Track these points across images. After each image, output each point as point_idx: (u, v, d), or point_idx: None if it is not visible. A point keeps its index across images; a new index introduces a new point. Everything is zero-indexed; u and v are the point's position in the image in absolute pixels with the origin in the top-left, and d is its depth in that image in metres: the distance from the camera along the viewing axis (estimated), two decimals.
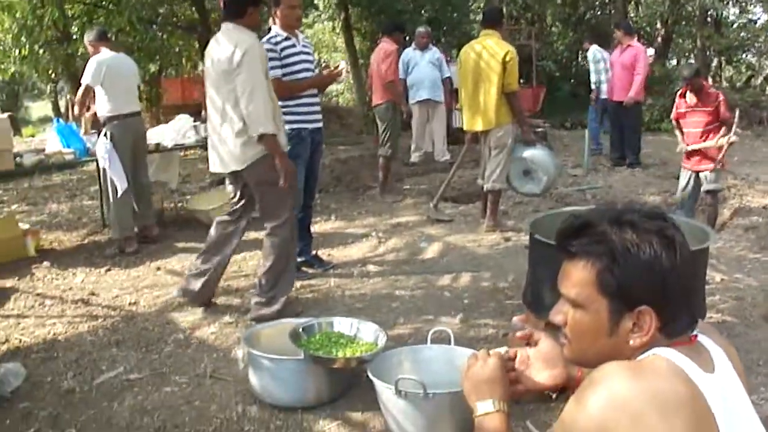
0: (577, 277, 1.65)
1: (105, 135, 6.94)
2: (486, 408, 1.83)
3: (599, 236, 1.62)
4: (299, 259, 5.97)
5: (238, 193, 5.23)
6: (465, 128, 7.51)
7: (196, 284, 5.29)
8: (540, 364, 1.99)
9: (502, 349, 2.05)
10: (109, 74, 6.98)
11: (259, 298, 5.09)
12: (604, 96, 11.99)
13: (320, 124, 5.98)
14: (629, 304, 1.59)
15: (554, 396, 3.71)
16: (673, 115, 7.54)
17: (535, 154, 7.20)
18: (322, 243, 7.16)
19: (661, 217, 1.65)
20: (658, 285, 1.57)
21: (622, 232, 1.60)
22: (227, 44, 4.81)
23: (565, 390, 2.08)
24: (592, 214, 1.70)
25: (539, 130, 8.42)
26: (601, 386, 1.49)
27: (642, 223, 1.60)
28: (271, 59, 5.52)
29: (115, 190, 6.97)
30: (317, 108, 5.93)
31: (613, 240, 1.60)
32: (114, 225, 7.27)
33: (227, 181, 5.22)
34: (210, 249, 5.29)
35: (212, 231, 5.32)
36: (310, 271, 6.12)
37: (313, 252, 6.34)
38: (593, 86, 12.36)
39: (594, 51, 12.47)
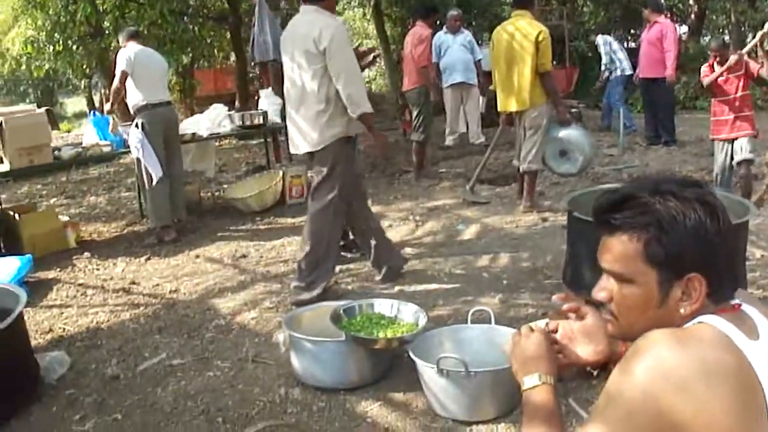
0: (622, 250, 1.62)
1: (137, 125, 7.01)
2: (532, 382, 1.82)
3: (643, 207, 1.59)
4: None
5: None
6: (499, 109, 7.47)
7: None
8: (584, 339, 1.97)
9: (542, 322, 2.04)
10: (137, 64, 7.05)
11: (298, 283, 5.11)
12: (620, 74, 12.44)
13: None
14: (678, 272, 1.57)
15: (596, 373, 3.69)
16: (702, 77, 7.39)
17: (570, 134, 7.17)
18: None
19: (697, 185, 1.62)
20: (705, 251, 1.55)
21: (665, 201, 1.58)
22: (311, 27, 4.82)
23: (607, 366, 2.08)
24: (630, 187, 1.67)
25: (573, 110, 8.38)
26: (648, 354, 1.47)
27: (681, 192, 1.58)
28: None
29: (150, 179, 7.03)
30: None
31: (658, 209, 1.57)
32: (151, 214, 7.36)
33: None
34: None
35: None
36: (349, 255, 6.11)
37: (350, 236, 6.35)
38: (603, 67, 12.86)
39: (599, 40, 13.06)
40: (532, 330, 1.94)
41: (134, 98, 7.10)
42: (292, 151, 5.27)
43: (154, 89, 7.13)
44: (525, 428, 1.74)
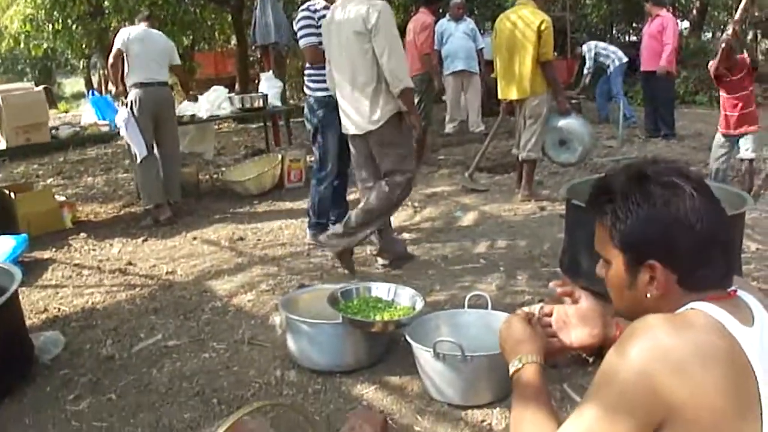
0: (599, 234, 1.71)
1: (126, 103, 7.02)
2: (514, 365, 1.83)
3: (608, 195, 1.65)
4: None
5: (360, 159, 5.35)
6: (500, 97, 7.46)
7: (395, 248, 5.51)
8: (579, 323, 1.97)
9: (537, 306, 2.04)
10: (131, 42, 7.02)
11: (338, 229, 5.19)
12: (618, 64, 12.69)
13: None
14: (639, 258, 1.61)
15: (591, 360, 3.70)
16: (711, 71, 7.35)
17: (570, 123, 7.17)
18: None
19: (676, 171, 1.63)
20: (660, 239, 1.58)
21: (628, 189, 1.62)
22: (357, 7, 4.90)
23: (602, 352, 2.07)
24: (607, 176, 1.73)
25: (573, 102, 8.36)
26: (643, 336, 1.49)
27: (654, 177, 1.61)
28: (308, 26, 5.60)
29: (136, 158, 7.03)
30: None
31: (618, 199, 1.62)
32: (142, 194, 7.36)
33: (352, 146, 5.22)
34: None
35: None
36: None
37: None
38: (585, 71, 13.41)
39: (584, 48, 13.46)
40: (518, 314, 1.95)
41: (128, 77, 7.09)
42: (350, 132, 5.25)
43: (146, 68, 7.05)
44: (514, 407, 1.76)
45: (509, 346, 1.88)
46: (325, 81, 5.60)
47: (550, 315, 2.00)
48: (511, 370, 1.83)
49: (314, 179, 6.09)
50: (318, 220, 6.13)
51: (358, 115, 5.08)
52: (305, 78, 6.02)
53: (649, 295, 1.62)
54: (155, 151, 7.19)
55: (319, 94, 5.76)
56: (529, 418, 1.69)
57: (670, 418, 1.44)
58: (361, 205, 5.23)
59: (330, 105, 5.63)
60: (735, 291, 1.63)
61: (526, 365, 1.80)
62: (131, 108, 6.98)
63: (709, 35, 23.19)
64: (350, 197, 6.58)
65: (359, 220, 5.13)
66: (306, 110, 6.02)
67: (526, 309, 2.01)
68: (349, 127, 5.21)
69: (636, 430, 1.46)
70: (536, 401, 1.72)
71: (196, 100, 8.33)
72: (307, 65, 5.98)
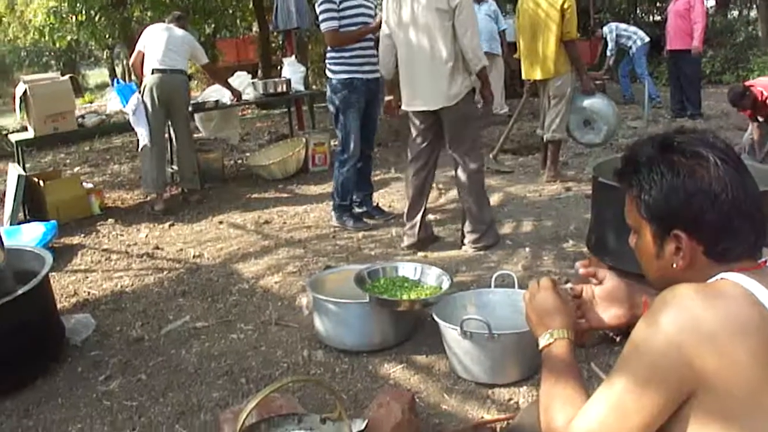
0: (627, 205, 1.71)
1: (140, 90, 7.08)
2: (545, 340, 1.81)
3: (634, 165, 1.65)
4: (359, 210, 6.07)
5: (428, 135, 5.36)
6: (523, 77, 7.43)
7: (417, 232, 5.48)
8: (605, 303, 1.96)
9: (567, 286, 2.03)
10: (147, 38, 7.13)
11: (477, 226, 5.32)
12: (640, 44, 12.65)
13: (377, 75, 5.90)
14: (664, 228, 1.61)
15: (618, 339, 3.69)
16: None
17: (594, 103, 7.12)
18: (383, 194, 7.21)
19: (702, 141, 1.62)
20: (684, 209, 1.56)
21: (653, 160, 1.61)
22: None
23: (629, 331, 2.05)
24: (634, 147, 1.72)
25: (597, 83, 8.31)
26: (674, 306, 1.47)
27: (678, 147, 1.60)
28: (328, 10, 5.62)
29: (137, 144, 7.13)
30: (373, 59, 5.83)
31: (642, 168, 1.62)
32: (142, 181, 7.46)
33: (415, 122, 5.27)
34: (415, 200, 5.47)
35: (408, 182, 5.57)
36: (371, 222, 6.15)
37: (375, 203, 6.37)
38: (608, 53, 13.32)
39: (605, 30, 13.33)
40: (538, 287, 1.94)
41: (145, 66, 7.18)
42: (419, 108, 5.27)
43: (162, 56, 7.06)
44: (543, 383, 1.74)
45: (537, 316, 1.87)
46: (345, 63, 5.71)
47: (579, 296, 1.99)
48: (542, 343, 1.82)
49: (337, 161, 6.12)
50: (341, 202, 6.14)
51: (433, 90, 5.10)
52: (327, 62, 6.06)
53: (675, 266, 1.61)
54: (171, 139, 7.23)
55: (342, 76, 5.82)
56: (558, 392, 1.67)
57: (701, 390, 1.43)
58: (466, 202, 5.33)
59: (351, 86, 5.77)
60: (765, 261, 1.61)
61: (557, 340, 1.80)
62: (143, 94, 7.03)
63: (735, 13, 22.85)
64: (376, 178, 6.59)
65: (483, 212, 5.34)
66: (329, 93, 6.05)
67: (541, 280, 1.97)
68: (419, 102, 5.23)
69: (666, 401, 1.46)
70: (566, 376, 1.71)
71: (229, 87, 8.27)
72: (329, 49, 6.01)
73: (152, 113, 7.04)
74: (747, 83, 7.58)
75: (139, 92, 7.06)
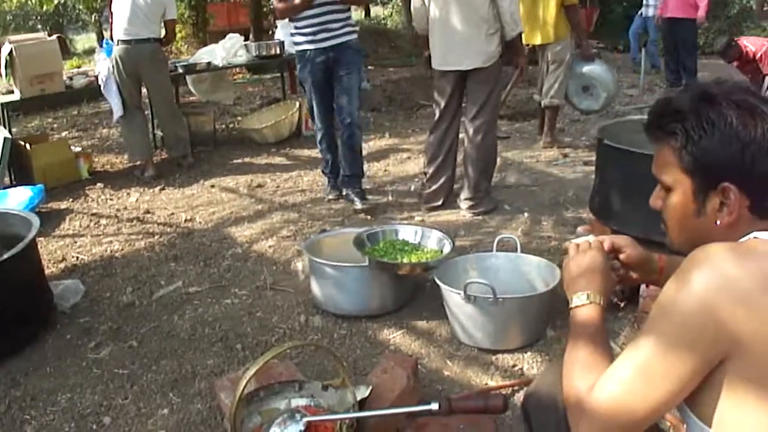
0: (663, 159, 1.59)
1: (111, 59, 6.88)
2: (580, 300, 1.73)
3: (677, 116, 1.54)
4: (348, 191, 5.79)
5: (453, 97, 5.33)
6: (524, 42, 7.30)
7: (439, 194, 5.53)
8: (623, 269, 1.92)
9: (590, 237, 1.94)
10: (115, 1, 6.81)
11: (475, 193, 5.34)
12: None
13: (331, 42, 5.42)
14: (711, 181, 1.51)
15: (622, 304, 3.62)
16: None
17: (594, 69, 7.09)
18: (379, 158, 7.14)
19: (745, 91, 1.54)
20: (737, 159, 1.47)
21: (699, 108, 1.51)
22: None
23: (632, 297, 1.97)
24: (673, 96, 1.61)
25: (593, 51, 8.23)
26: (706, 265, 1.38)
27: (723, 97, 1.51)
28: None
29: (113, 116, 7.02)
30: (333, 25, 5.40)
31: (689, 117, 1.52)
32: (126, 150, 7.35)
33: (443, 84, 5.26)
34: (434, 161, 5.51)
35: (432, 144, 5.53)
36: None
37: (362, 187, 5.85)
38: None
39: None
40: (589, 245, 1.85)
41: (113, 31, 6.96)
42: (452, 68, 5.21)
43: (122, 24, 6.74)
44: (569, 346, 1.65)
45: (579, 273, 1.79)
46: (299, 34, 5.49)
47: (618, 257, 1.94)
48: (575, 302, 1.74)
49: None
50: (323, 171, 6.00)
51: (468, 51, 5.07)
52: None
53: (719, 222, 1.51)
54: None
55: (297, 48, 5.60)
56: (584, 357, 1.59)
57: (735, 352, 1.33)
58: (471, 166, 5.35)
59: (304, 59, 5.53)
60: None
61: (591, 303, 1.71)
62: (112, 66, 6.85)
63: None
64: (370, 143, 6.45)
65: (487, 176, 5.41)
66: None
67: (581, 239, 1.91)
68: (452, 60, 5.18)
69: (697, 366, 1.36)
70: (594, 341, 1.63)
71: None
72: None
73: (122, 84, 6.85)
74: (736, 38, 8.00)
75: (110, 63, 6.86)
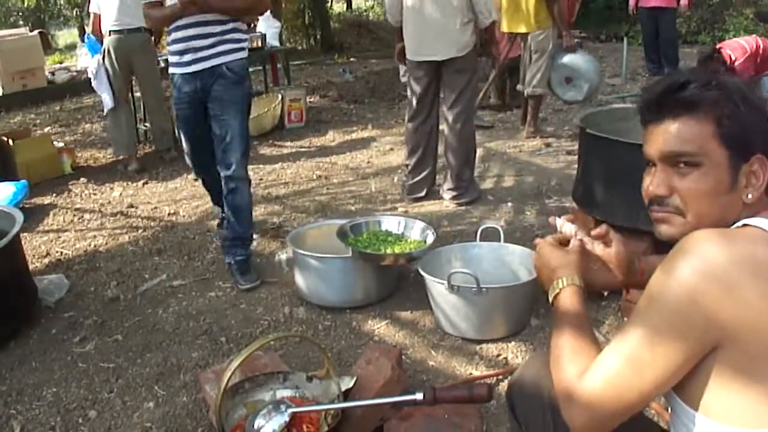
0: (689, 132, 1.51)
1: (101, 51, 6.84)
2: (558, 285, 1.70)
3: (708, 85, 1.50)
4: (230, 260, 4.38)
5: (429, 87, 5.33)
6: (506, 30, 7.30)
7: (422, 185, 5.55)
8: (602, 267, 1.86)
9: (572, 227, 1.91)
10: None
11: (458, 183, 5.36)
12: None
13: (198, 67, 4.10)
14: (746, 153, 1.48)
15: (605, 293, 3.64)
16: None
17: (576, 60, 7.09)
18: (361, 149, 7.15)
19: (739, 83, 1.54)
20: (766, 129, 1.49)
21: (722, 79, 1.49)
22: None
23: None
24: (684, 74, 1.57)
25: (575, 41, 8.23)
26: (693, 253, 1.36)
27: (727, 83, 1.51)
28: None
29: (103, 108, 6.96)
30: (203, 42, 4.06)
31: (728, 85, 1.49)
32: (112, 144, 7.32)
33: (419, 74, 5.26)
34: (415, 152, 5.52)
35: (411, 136, 5.53)
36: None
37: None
38: None
39: None
40: (542, 246, 1.83)
41: (102, 22, 6.87)
42: (426, 58, 5.20)
43: (113, 14, 6.71)
44: (555, 333, 1.63)
45: (546, 275, 1.77)
46: (169, 52, 4.24)
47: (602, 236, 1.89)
48: (551, 295, 1.72)
49: None
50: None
51: (442, 41, 5.08)
52: None
53: (749, 196, 1.49)
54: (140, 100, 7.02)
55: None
56: (569, 343, 1.57)
57: (726, 341, 1.32)
58: (452, 158, 5.36)
59: (173, 83, 4.33)
60: None
61: (564, 288, 1.69)
62: (103, 57, 6.80)
63: None
64: (352, 135, 6.41)
65: (469, 167, 5.42)
66: None
67: (560, 231, 1.88)
68: (426, 51, 5.18)
69: (687, 354, 1.35)
70: (577, 326, 1.60)
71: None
72: None
73: (113, 76, 6.80)
74: (718, 45, 7.64)
75: (101, 55, 6.83)
